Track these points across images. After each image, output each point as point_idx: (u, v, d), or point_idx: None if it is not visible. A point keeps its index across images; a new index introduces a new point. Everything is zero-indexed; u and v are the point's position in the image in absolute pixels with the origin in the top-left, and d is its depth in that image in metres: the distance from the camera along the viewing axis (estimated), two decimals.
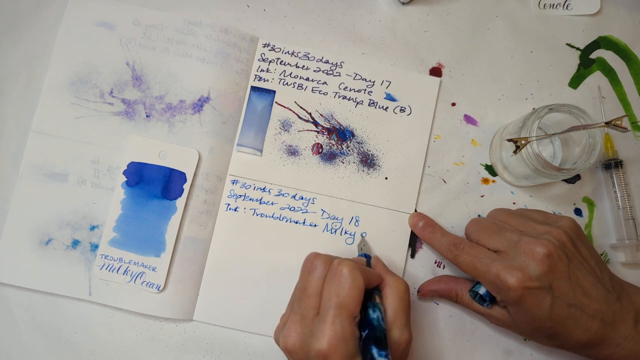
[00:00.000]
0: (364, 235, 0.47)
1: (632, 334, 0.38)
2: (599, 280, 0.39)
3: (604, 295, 0.39)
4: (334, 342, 0.34)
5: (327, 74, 0.49)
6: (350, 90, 0.49)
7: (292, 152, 0.48)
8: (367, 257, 0.44)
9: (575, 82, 0.50)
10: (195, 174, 0.46)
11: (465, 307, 0.44)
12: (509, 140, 0.42)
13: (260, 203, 0.47)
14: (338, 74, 0.49)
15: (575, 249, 0.40)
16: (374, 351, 0.34)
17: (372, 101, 0.49)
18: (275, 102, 0.49)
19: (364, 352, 0.35)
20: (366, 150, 0.48)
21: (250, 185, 0.48)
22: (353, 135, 0.48)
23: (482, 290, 0.42)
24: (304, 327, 0.36)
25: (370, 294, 0.38)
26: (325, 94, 0.49)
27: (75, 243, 0.46)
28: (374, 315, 0.36)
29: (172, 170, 0.46)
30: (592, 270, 0.40)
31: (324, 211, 0.48)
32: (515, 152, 0.42)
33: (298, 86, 0.49)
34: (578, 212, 0.49)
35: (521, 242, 0.39)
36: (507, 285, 0.38)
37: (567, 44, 0.51)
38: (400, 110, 0.49)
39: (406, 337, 0.37)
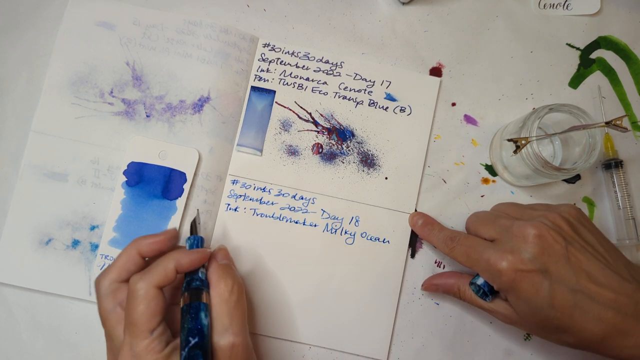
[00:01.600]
0: (198, 210, 0.44)
1: None
2: (609, 266, 0.37)
3: (618, 283, 0.36)
4: None
5: (327, 74, 0.49)
6: (350, 90, 0.49)
7: (292, 152, 0.48)
8: (197, 239, 0.40)
9: (575, 82, 0.50)
10: (195, 174, 0.46)
11: (468, 303, 0.43)
12: (509, 140, 0.42)
13: (260, 203, 0.47)
14: (338, 74, 0.49)
15: (575, 233, 0.38)
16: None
17: (372, 101, 0.49)
18: (275, 102, 0.49)
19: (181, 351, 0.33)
20: (366, 150, 0.48)
21: (250, 185, 0.48)
22: (353, 135, 0.48)
23: (479, 281, 0.41)
24: (114, 352, 0.35)
25: (198, 291, 0.35)
26: (325, 94, 0.49)
27: (76, 243, 0.46)
28: (205, 321, 0.34)
29: (172, 170, 0.46)
30: (599, 255, 0.37)
31: (324, 211, 0.48)
32: (515, 152, 0.42)
33: (298, 86, 0.49)
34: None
35: (513, 227, 0.38)
36: (498, 269, 0.37)
37: (567, 44, 0.51)
38: (400, 110, 0.49)
39: (227, 341, 0.34)
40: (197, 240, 0.39)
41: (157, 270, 0.35)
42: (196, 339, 0.33)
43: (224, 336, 0.34)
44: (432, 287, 0.46)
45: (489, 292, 0.41)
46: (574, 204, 0.49)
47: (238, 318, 0.35)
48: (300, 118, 0.48)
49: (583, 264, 0.36)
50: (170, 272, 0.35)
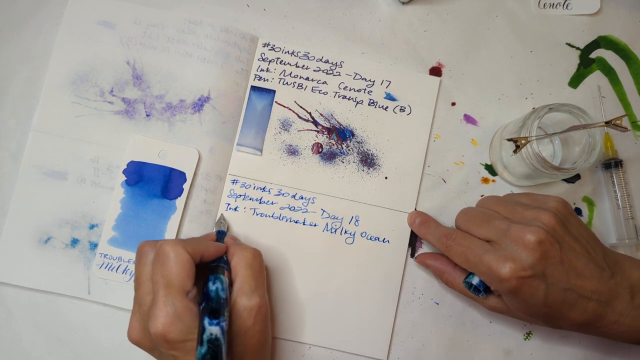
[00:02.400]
0: (222, 214, 0.47)
1: (628, 309, 0.38)
2: (592, 259, 0.39)
3: (598, 274, 0.38)
4: (168, 321, 0.34)
5: (327, 73, 0.49)
6: (350, 89, 0.49)
7: (292, 151, 0.48)
8: (222, 233, 0.44)
9: (575, 81, 0.50)
10: (195, 174, 0.46)
11: (457, 292, 0.44)
12: (509, 140, 0.42)
13: (260, 203, 0.47)
14: (338, 73, 0.49)
15: (565, 232, 0.39)
16: (206, 321, 0.34)
17: (372, 101, 0.49)
18: (275, 102, 0.49)
19: (199, 324, 0.34)
20: (366, 150, 0.48)
21: (250, 185, 0.48)
22: (353, 134, 0.48)
23: (475, 281, 0.41)
24: (143, 315, 0.37)
25: (215, 267, 0.38)
26: (325, 93, 0.49)
27: (75, 242, 0.46)
28: (212, 287, 0.36)
29: (172, 169, 0.46)
30: (584, 250, 0.39)
31: (323, 211, 0.48)
32: (515, 151, 0.42)
33: (298, 86, 0.49)
34: (578, 211, 0.49)
35: (511, 230, 0.39)
36: (500, 276, 0.37)
37: (567, 43, 0.51)
38: (400, 109, 0.49)
39: (255, 302, 0.37)
40: (222, 234, 0.44)
41: (193, 243, 0.38)
42: (203, 304, 0.35)
43: (251, 298, 0.37)
44: (424, 264, 0.46)
45: (483, 290, 0.41)
46: (574, 203, 0.49)
47: (262, 282, 0.39)
48: (300, 118, 0.48)
49: (573, 262, 0.38)
50: (204, 251, 0.38)
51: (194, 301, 0.36)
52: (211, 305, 0.35)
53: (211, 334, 0.33)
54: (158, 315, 0.34)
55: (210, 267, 0.38)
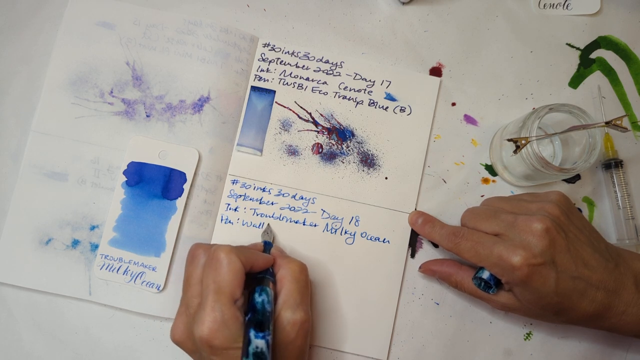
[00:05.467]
0: (269, 224, 0.47)
1: (635, 299, 0.39)
2: (596, 249, 0.40)
3: (604, 264, 0.39)
4: (214, 327, 0.34)
5: (327, 73, 0.49)
6: (350, 90, 0.49)
7: (292, 152, 0.48)
8: (269, 244, 0.45)
9: (575, 82, 0.50)
10: (195, 174, 0.46)
11: (466, 293, 0.44)
12: (509, 140, 0.42)
13: (260, 203, 0.47)
14: (338, 73, 0.49)
15: (569, 221, 0.40)
16: (252, 333, 0.34)
17: (372, 101, 0.49)
18: (275, 102, 0.49)
19: (244, 335, 0.35)
20: (366, 150, 0.48)
21: (250, 185, 0.48)
22: (353, 135, 0.48)
23: (485, 275, 0.41)
24: (189, 317, 0.37)
25: (262, 279, 0.38)
26: (325, 93, 0.49)
27: (75, 243, 0.46)
28: (259, 299, 0.36)
29: (172, 170, 0.46)
30: (588, 240, 0.40)
31: (324, 211, 0.48)
32: (515, 152, 0.42)
33: (298, 86, 0.49)
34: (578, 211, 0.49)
35: (518, 221, 0.39)
36: (512, 264, 0.38)
37: (567, 43, 0.51)
38: (400, 110, 0.49)
39: (300, 316, 0.37)
40: (269, 245, 0.44)
41: (246, 252, 0.38)
42: (249, 315, 0.36)
43: (295, 312, 0.37)
44: (429, 271, 0.46)
45: (494, 284, 0.41)
46: (574, 204, 0.49)
47: (307, 296, 0.39)
48: (300, 118, 0.48)
49: (579, 251, 0.39)
50: (254, 261, 0.39)
51: (240, 310, 0.36)
52: (257, 318, 0.35)
53: (257, 347, 0.33)
54: (205, 319, 0.35)
55: (256, 278, 0.38)
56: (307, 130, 0.48)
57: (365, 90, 0.49)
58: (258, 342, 0.33)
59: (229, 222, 0.47)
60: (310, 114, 0.49)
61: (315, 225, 0.47)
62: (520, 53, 0.50)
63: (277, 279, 0.39)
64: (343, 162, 0.48)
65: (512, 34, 0.50)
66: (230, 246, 0.38)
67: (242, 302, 0.37)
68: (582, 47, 0.51)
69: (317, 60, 0.49)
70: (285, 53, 0.49)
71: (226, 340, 0.34)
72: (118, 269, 0.45)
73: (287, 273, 0.39)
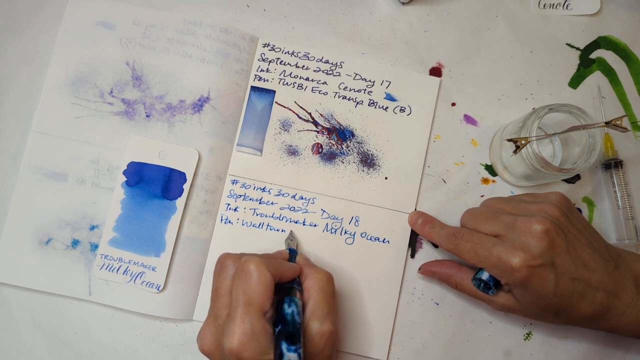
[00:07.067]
0: (292, 230, 0.47)
1: (634, 300, 0.39)
2: (596, 250, 0.40)
3: (603, 265, 0.39)
4: (244, 340, 0.34)
5: (327, 74, 0.49)
6: (350, 90, 0.49)
7: (292, 152, 0.48)
8: (293, 251, 0.44)
9: (575, 82, 0.50)
10: (195, 174, 0.46)
11: (466, 294, 0.44)
12: (509, 140, 0.42)
13: (260, 203, 0.47)
14: (338, 74, 0.49)
15: (569, 223, 0.40)
16: (284, 346, 0.34)
17: (372, 101, 0.49)
18: (275, 102, 0.49)
19: (275, 347, 0.34)
20: (366, 150, 0.48)
21: (250, 185, 0.48)
22: (353, 135, 0.48)
23: (485, 276, 0.41)
24: (218, 328, 0.37)
25: (289, 289, 0.38)
26: (325, 93, 0.49)
27: (75, 243, 0.46)
28: (288, 310, 0.36)
29: (172, 170, 0.46)
30: (588, 241, 0.40)
31: (323, 211, 0.48)
32: (515, 152, 0.42)
33: (298, 86, 0.49)
34: (578, 212, 0.49)
35: (517, 223, 0.39)
36: (511, 266, 0.38)
37: (567, 44, 0.51)
38: (400, 110, 0.49)
39: (328, 328, 0.37)
40: (294, 253, 0.44)
41: (275, 264, 0.38)
42: (280, 327, 0.35)
43: (323, 323, 0.37)
44: (429, 273, 0.46)
45: (493, 285, 0.41)
46: (574, 204, 0.49)
47: (333, 307, 0.39)
48: (300, 118, 0.49)
49: (578, 252, 0.39)
50: (283, 272, 0.38)
51: (270, 322, 0.36)
52: (288, 330, 0.35)
53: None
54: (235, 332, 0.34)
55: (284, 288, 0.38)
56: (307, 130, 0.48)
57: (365, 90, 0.49)
58: (290, 356, 0.33)
59: (229, 222, 0.47)
60: (310, 114, 0.49)
61: (315, 225, 0.47)
62: (520, 53, 0.50)
63: (304, 289, 0.39)
64: (343, 162, 0.48)
65: (512, 34, 0.50)
66: (260, 257, 0.38)
67: (271, 314, 0.36)
68: (582, 47, 0.51)
69: (317, 61, 0.49)
70: (285, 53, 0.49)
71: (256, 352, 0.34)
72: (118, 269, 0.45)
73: (314, 283, 0.39)
